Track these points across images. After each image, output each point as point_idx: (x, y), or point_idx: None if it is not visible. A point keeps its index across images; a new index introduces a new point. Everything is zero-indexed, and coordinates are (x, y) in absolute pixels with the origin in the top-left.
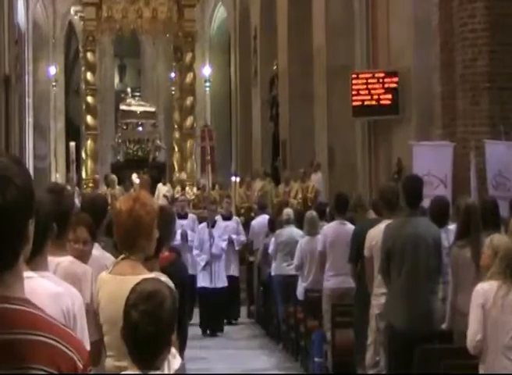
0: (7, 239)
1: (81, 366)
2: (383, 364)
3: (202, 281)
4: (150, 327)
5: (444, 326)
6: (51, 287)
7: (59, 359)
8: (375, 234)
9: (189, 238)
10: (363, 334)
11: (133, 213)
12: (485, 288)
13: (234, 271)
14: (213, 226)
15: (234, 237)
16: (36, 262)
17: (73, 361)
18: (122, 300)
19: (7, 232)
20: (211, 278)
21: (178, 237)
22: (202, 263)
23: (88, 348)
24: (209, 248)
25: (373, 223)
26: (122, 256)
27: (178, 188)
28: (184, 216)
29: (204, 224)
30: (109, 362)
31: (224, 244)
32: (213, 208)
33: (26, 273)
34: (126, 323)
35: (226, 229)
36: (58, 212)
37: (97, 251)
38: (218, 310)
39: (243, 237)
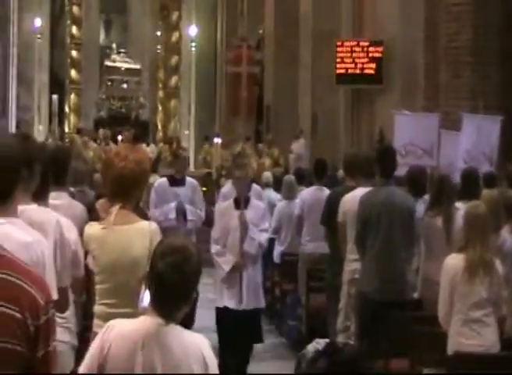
0: None
1: (42, 303)
2: (353, 329)
3: (225, 299)
4: (174, 279)
5: (416, 294)
6: (21, 236)
7: (21, 296)
8: (349, 201)
9: (188, 216)
10: (335, 299)
11: (129, 164)
12: (454, 261)
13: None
14: (246, 206)
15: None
16: (6, 208)
17: (34, 298)
18: (122, 249)
19: None
20: (241, 294)
21: (171, 214)
22: (226, 268)
23: (55, 295)
24: (239, 243)
25: (348, 190)
26: (117, 206)
27: (161, 145)
28: (181, 182)
29: (229, 202)
30: (102, 309)
31: (264, 238)
32: (243, 174)
33: None
34: (151, 273)
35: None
36: (25, 158)
37: (64, 200)
38: (246, 346)
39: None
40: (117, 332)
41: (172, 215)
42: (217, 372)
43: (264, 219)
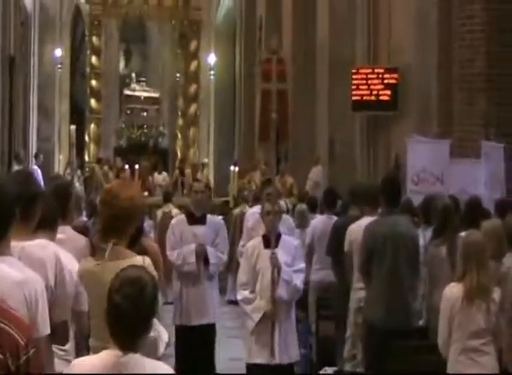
0: None
1: (23, 343)
2: (360, 358)
3: (255, 354)
4: (130, 310)
5: (421, 322)
6: (13, 275)
7: (2, 338)
8: (355, 230)
9: (211, 260)
10: (342, 327)
11: (120, 202)
12: (453, 290)
13: None
14: (277, 244)
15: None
16: None
17: (15, 338)
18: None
19: None
20: (273, 347)
21: (190, 258)
22: (256, 318)
23: (48, 330)
24: (271, 287)
25: (353, 219)
26: (111, 242)
27: (176, 173)
28: (200, 220)
29: (257, 240)
30: (95, 343)
31: (300, 280)
32: (274, 208)
33: None
34: (108, 306)
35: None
36: (25, 195)
37: (68, 234)
38: None
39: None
40: (78, 369)
41: (192, 258)
42: None
43: (299, 258)
